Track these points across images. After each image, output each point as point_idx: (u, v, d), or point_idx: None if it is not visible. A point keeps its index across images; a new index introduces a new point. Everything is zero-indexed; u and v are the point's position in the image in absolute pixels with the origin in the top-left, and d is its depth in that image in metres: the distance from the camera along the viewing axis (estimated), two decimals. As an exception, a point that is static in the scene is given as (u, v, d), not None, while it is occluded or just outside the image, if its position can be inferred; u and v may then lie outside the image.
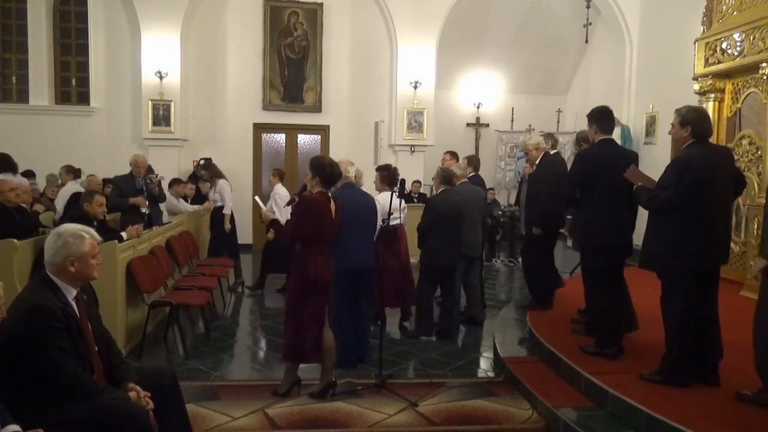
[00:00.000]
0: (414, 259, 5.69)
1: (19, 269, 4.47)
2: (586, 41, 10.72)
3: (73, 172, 7.97)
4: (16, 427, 2.14)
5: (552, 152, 5.63)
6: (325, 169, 3.84)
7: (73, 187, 7.37)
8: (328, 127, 10.69)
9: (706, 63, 6.72)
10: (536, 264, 5.65)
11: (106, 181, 7.81)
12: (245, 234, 10.05)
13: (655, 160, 9.32)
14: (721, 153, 3.61)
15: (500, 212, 10.29)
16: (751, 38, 6.06)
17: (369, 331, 4.93)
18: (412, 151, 10.15)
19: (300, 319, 3.77)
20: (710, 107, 6.74)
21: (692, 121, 3.47)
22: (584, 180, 4.01)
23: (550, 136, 5.82)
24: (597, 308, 4.17)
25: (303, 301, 3.78)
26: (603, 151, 4.04)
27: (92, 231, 2.68)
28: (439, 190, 5.48)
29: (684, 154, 3.48)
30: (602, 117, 4.16)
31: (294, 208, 3.91)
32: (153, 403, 2.65)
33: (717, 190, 3.40)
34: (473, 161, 6.51)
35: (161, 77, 9.51)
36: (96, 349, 2.66)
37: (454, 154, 6.95)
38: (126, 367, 2.81)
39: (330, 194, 3.92)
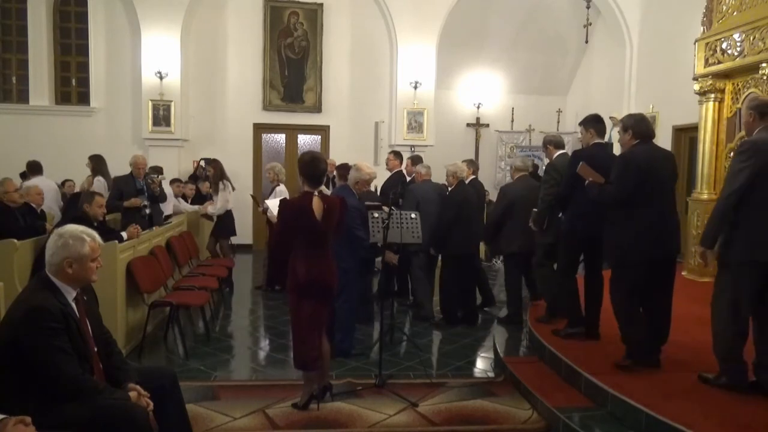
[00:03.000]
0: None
1: (19, 269, 4.48)
2: (586, 41, 10.71)
3: None
4: (1, 415, 2.14)
5: (470, 178, 6.15)
6: (304, 166, 3.70)
7: None
8: (328, 127, 10.70)
9: (706, 63, 6.71)
10: (449, 283, 5.90)
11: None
12: (245, 234, 10.06)
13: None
14: (663, 154, 3.89)
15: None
16: (751, 38, 6.06)
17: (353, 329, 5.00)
18: (412, 152, 10.13)
19: (300, 324, 3.69)
20: (710, 107, 6.74)
21: (631, 125, 3.83)
22: (578, 177, 4.20)
23: (472, 163, 6.29)
24: (567, 294, 4.59)
25: (299, 305, 3.67)
26: (598, 152, 4.33)
27: (95, 234, 2.66)
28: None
29: (626, 152, 3.83)
30: (598, 122, 4.52)
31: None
32: (153, 404, 2.65)
33: (658, 185, 3.70)
34: (417, 161, 6.85)
35: (161, 77, 9.51)
36: (96, 349, 2.66)
37: (398, 155, 7.23)
38: (126, 367, 2.81)
39: (316, 193, 3.70)
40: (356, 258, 4.68)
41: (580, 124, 4.65)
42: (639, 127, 3.81)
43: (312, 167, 3.70)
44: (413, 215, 5.43)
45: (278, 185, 7.26)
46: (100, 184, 7.10)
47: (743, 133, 6.36)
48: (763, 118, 3.39)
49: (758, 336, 3.36)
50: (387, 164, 7.22)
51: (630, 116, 3.95)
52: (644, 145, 3.79)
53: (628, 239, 3.69)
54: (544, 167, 11.71)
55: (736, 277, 3.30)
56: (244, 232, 9.87)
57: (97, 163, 7.33)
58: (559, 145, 5.15)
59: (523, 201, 5.40)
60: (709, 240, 3.36)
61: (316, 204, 3.66)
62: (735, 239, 3.29)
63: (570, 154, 4.67)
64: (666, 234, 3.73)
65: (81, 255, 2.55)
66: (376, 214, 5.02)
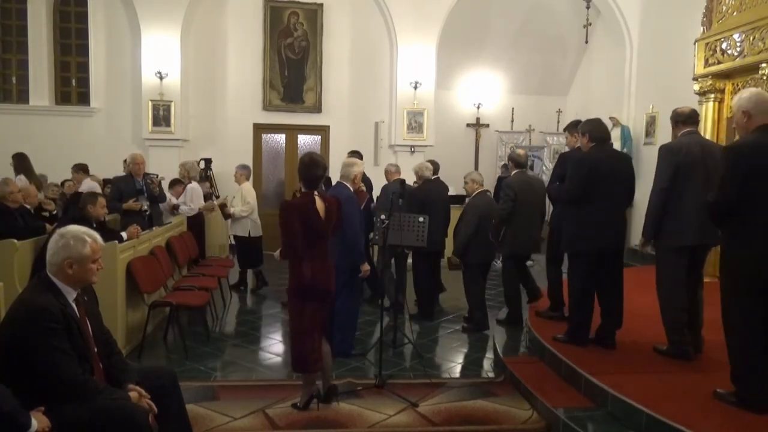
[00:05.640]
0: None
1: (19, 269, 4.48)
2: (586, 41, 10.71)
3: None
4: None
5: (433, 177, 6.32)
6: (301, 168, 3.73)
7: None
8: (328, 127, 10.69)
9: (706, 63, 6.72)
10: (421, 279, 6.29)
11: (105, 182, 7.81)
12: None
13: (655, 160, 9.31)
14: (617, 158, 4.32)
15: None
16: (751, 38, 6.06)
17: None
18: (412, 152, 10.15)
19: (301, 327, 3.66)
20: (710, 107, 6.75)
21: (588, 130, 4.27)
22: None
23: (433, 163, 6.50)
24: (553, 283, 5.18)
25: (300, 307, 3.65)
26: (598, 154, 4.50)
27: (96, 235, 2.66)
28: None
29: (580, 154, 4.30)
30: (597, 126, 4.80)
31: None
32: (153, 404, 2.65)
33: (607, 185, 4.06)
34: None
35: (161, 77, 9.51)
36: (96, 349, 2.66)
37: (356, 153, 7.30)
38: (127, 368, 2.81)
39: (317, 194, 3.72)
40: (351, 258, 4.62)
41: (564, 129, 5.26)
42: (595, 131, 4.24)
43: (307, 170, 3.72)
44: (421, 219, 5.42)
45: (190, 183, 7.23)
46: (22, 183, 7.04)
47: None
48: (678, 125, 3.99)
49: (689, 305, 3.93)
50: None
51: (587, 122, 4.38)
52: (599, 147, 4.20)
53: (576, 231, 4.16)
54: (544, 166, 11.74)
55: (667, 258, 3.89)
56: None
57: (20, 162, 7.20)
58: (520, 164, 5.60)
59: (487, 215, 5.62)
60: (650, 231, 3.88)
61: (319, 204, 3.67)
62: (663, 228, 3.84)
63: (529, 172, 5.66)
64: (611, 228, 4.11)
65: (82, 256, 2.55)
66: (383, 216, 5.00)
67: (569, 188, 4.20)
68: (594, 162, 4.10)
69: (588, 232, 4.08)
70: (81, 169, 7.68)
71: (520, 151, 5.69)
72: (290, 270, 3.69)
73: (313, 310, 3.65)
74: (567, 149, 5.67)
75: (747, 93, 3.19)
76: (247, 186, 7.40)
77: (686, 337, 3.91)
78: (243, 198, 7.23)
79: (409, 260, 6.38)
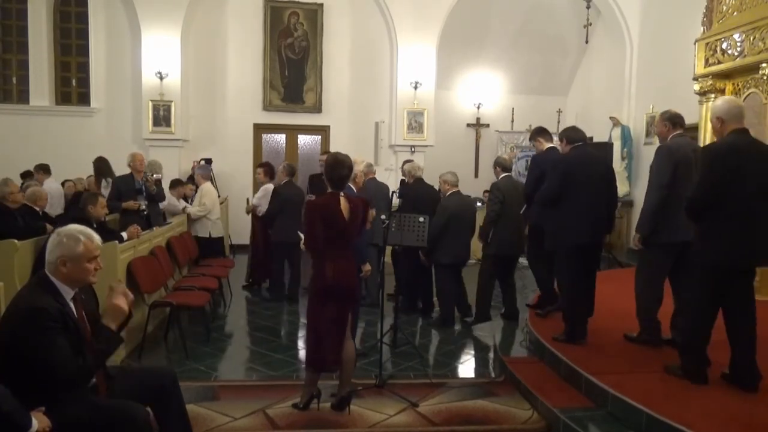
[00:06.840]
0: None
1: (19, 269, 4.48)
2: (587, 41, 10.72)
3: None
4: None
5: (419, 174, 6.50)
6: (326, 168, 3.70)
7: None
8: (329, 127, 10.70)
9: (706, 63, 6.70)
10: (406, 275, 6.36)
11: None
12: (244, 234, 10.04)
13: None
14: (594, 158, 4.50)
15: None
16: (752, 38, 6.06)
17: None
18: (413, 152, 10.15)
19: (317, 325, 3.62)
20: (710, 107, 6.73)
21: (565, 135, 4.54)
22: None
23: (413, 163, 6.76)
24: (541, 280, 5.41)
25: (321, 306, 3.61)
26: (552, 155, 4.88)
27: (92, 234, 2.64)
28: (283, 182, 6.87)
29: (557, 156, 4.57)
30: (542, 132, 5.31)
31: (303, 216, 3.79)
32: (153, 404, 2.66)
33: (584, 184, 4.23)
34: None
35: (161, 78, 9.51)
36: (95, 348, 2.66)
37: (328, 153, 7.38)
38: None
39: (342, 194, 3.70)
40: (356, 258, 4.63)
41: (530, 139, 5.71)
42: (571, 135, 4.50)
43: (332, 170, 3.68)
44: (421, 219, 5.42)
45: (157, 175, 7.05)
46: None
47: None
48: (675, 127, 4.10)
49: (675, 303, 4.15)
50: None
51: (564, 129, 4.67)
52: (576, 149, 4.43)
53: (556, 229, 4.36)
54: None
55: (657, 255, 4.05)
56: (242, 232, 9.87)
57: None
58: (506, 168, 5.81)
59: (458, 215, 5.73)
60: (648, 228, 4.00)
61: (343, 205, 3.65)
62: (659, 226, 3.96)
63: (513, 176, 5.95)
64: (589, 224, 4.26)
65: (75, 254, 2.53)
66: (383, 216, 4.99)
67: (548, 188, 4.42)
68: (571, 163, 4.33)
69: (567, 230, 4.26)
70: (42, 169, 7.67)
71: (506, 156, 5.97)
72: (313, 269, 3.69)
73: (332, 310, 3.60)
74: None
75: (720, 101, 3.55)
76: (206, 187, 7.40)
77: (656, 322, 4.15)
78: (199, 199, 7.25)
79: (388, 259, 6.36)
